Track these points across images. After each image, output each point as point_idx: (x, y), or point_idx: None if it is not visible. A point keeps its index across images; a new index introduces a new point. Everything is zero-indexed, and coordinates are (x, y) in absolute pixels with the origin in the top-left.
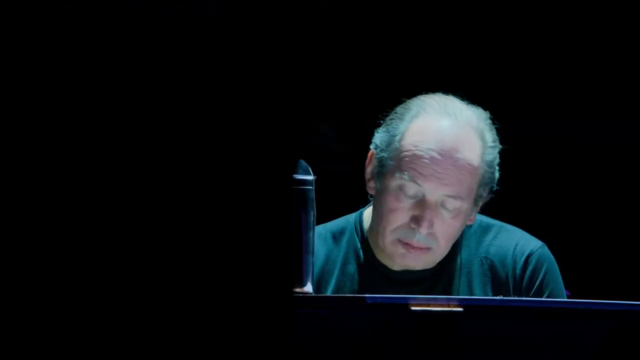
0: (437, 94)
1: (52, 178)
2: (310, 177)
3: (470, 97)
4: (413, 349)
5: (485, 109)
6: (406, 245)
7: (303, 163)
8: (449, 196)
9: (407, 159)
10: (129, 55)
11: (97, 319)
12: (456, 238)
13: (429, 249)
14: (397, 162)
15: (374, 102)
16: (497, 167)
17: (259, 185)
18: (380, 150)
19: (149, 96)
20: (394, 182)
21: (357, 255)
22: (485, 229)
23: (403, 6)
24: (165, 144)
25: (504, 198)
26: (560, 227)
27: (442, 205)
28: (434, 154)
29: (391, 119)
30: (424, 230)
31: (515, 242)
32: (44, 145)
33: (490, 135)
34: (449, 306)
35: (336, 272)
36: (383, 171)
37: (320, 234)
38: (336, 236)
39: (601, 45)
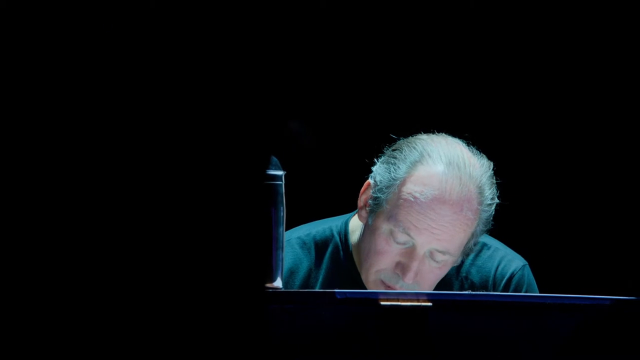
0: (442, 135)
1: (52, 178)
2: (280, 172)
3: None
4: (383, 344)
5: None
6: (388, 287)
7: (273, 158)
8: (439, 251)
9: (404, 208)
10: (128, 55)
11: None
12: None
13: None
14: (393, 207)
15: (349, 102)
16: (490, 222)
17: (229, 180)
18: (378, 190)
19: (149, 96)
20: (386, 226)
21: (340, 272)
22: None
23: (402, 4)
24: (148, 143)
25: None
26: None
27: (431, 256)
28: (432, 210)
29: (393, 157)
30: (408, 280)
31: (497, 263)
32: (44, 145)
33: (490, 192)
34: (418, 301)
35: (317, 287)
36: (377, 210)
37: (305, 243)
38: (319, 246)
39: (599, 43)
